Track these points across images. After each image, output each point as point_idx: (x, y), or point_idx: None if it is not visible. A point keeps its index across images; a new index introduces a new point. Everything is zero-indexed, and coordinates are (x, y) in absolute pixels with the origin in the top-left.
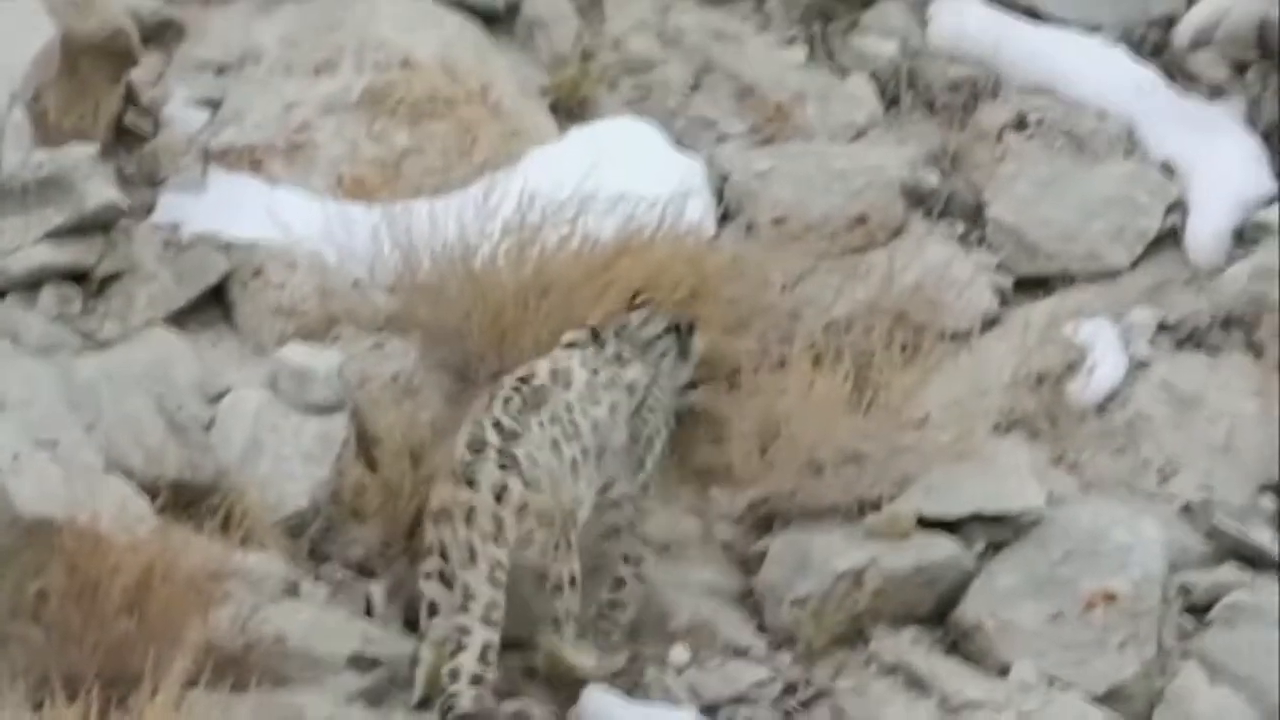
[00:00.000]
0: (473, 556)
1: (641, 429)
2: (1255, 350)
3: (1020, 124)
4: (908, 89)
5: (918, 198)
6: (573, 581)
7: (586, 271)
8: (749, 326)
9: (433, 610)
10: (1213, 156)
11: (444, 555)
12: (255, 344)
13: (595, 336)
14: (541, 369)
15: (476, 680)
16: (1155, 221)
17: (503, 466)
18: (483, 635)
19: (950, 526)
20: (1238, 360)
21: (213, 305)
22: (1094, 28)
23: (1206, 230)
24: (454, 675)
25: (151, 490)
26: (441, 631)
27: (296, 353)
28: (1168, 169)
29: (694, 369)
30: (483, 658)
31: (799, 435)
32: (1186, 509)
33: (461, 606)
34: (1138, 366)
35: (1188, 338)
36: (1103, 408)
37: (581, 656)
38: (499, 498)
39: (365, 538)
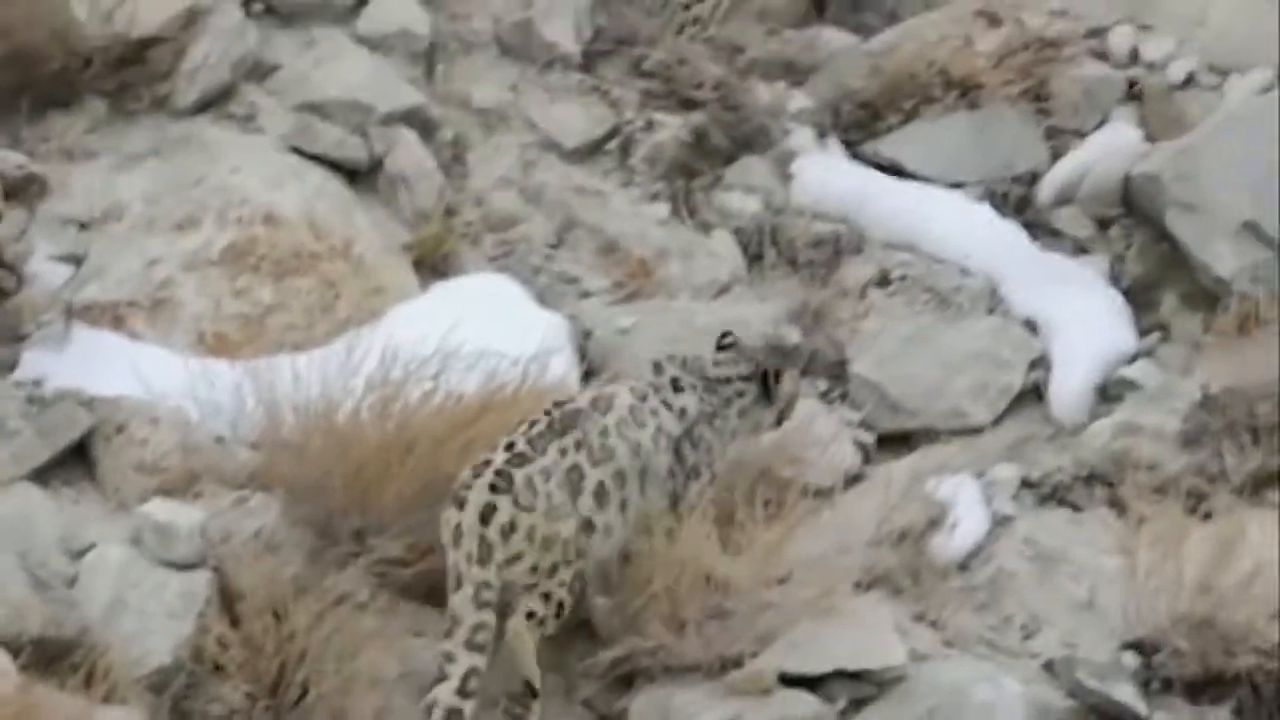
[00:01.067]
0: (459, 581)
1: (688, 456)
2: (1118, 507)
3: (883, 280)
4: (770, 246)
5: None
6: (560, 605)
7: (450, 428)
8: None
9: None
10: (1076, 313)
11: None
12: (118, 500)
13: (655, 367)
14: (584, 395)
15: (452, 714)
16: (1018, 378)
17: (493, 488)
18: (466, 663)
19: (812, 684)
20: (1100, 517)
21: (76, 461)
22: (957, 184)
23: (1069, 387)
24: (428, 710)
25: (14, 647)
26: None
27: (159, 509)
28: (1031, 325)
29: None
30: (462, 688)
31: (661, 591)
32: (1049, 666)
33: (446, 632)
34: (1000, 523)
35: (1050, 494)
36: (965, 564)
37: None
38: (484, 519)
39: (228, 695)
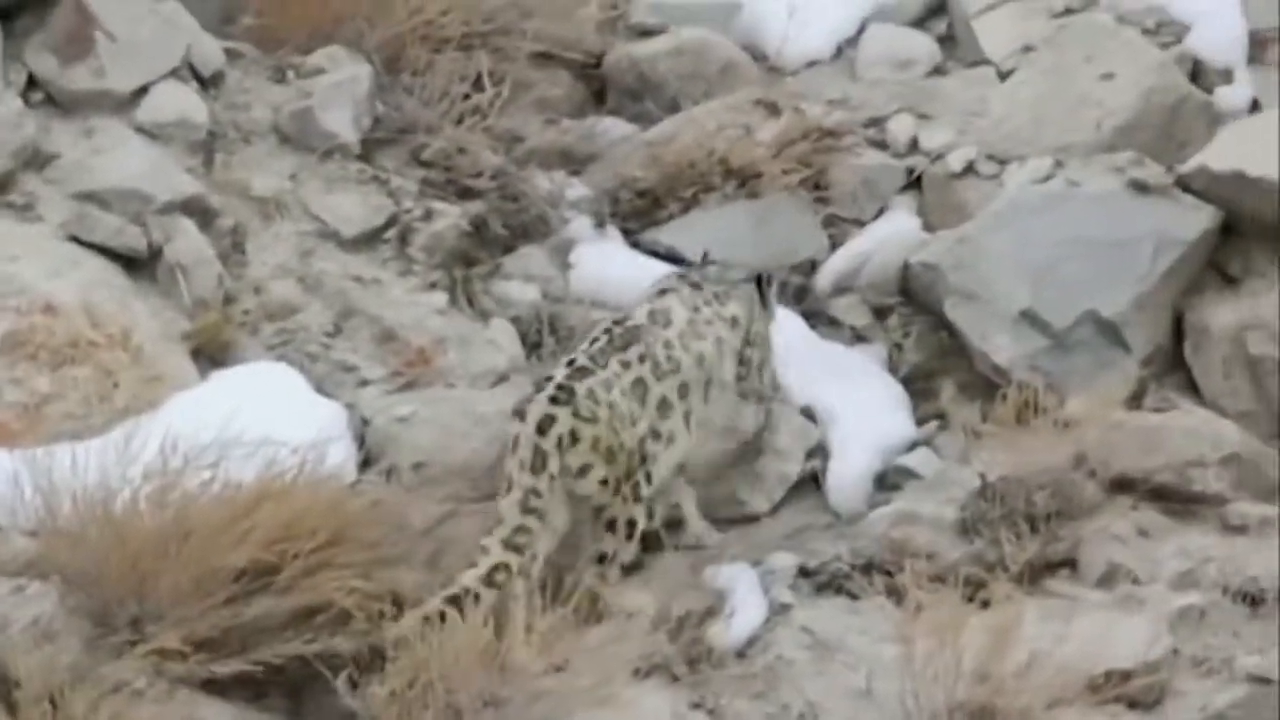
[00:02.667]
0: (509, 485)
1: (752, 358)
2: (896, 595)
3: None
4: (549, 334)
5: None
6: (630, 525)
7: (228, 516)
8: (389, 571)
9: None
10: (854, 402)
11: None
12: None
13: (690, 282)
14: (640, 311)
15: (466, 593)
16: (796, 466)
17: (554, 400)
18: (497, 557)
19: None
20: (878, 605)
21: None
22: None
23: (847, 475)
24: (443, 585)
25: None
26: None
27: None
28: (809, 414)
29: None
30: (488, 578)
31: (438, 680)
32: None
33: (488, 530)
34: (778, 611)
35: (828, 583)
36: (743, 652)
37: (624, 597)
38: (541, 429)
39: None
